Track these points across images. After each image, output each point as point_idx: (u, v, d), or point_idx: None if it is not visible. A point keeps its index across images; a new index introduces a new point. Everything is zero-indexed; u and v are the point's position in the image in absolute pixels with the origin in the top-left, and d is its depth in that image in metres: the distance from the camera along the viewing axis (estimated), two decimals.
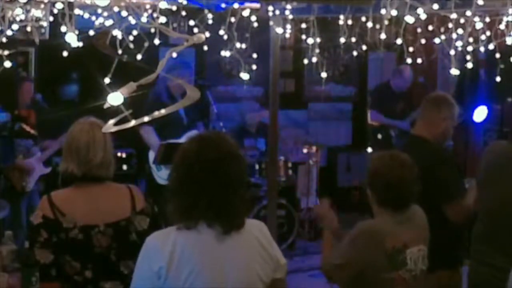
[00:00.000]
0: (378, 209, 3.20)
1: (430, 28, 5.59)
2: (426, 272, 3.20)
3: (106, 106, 2.32)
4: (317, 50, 5.39)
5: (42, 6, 5.27)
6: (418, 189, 3.15)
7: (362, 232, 3.12)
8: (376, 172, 3.18)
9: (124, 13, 4.71)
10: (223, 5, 5.10)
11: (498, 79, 5.35)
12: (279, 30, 5.26)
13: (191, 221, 2.38)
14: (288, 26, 5.61)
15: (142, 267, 2.41)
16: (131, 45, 4.89)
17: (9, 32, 4.42)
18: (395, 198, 3.14)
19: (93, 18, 5.27)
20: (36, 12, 5.18)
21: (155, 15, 4.59)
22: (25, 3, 4.17)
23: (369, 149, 7.70)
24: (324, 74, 5.51)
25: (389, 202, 3.15)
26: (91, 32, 5.18)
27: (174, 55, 3.83)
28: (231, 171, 2.40)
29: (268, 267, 2.50)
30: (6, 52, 4.40)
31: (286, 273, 2.60)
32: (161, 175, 6.21)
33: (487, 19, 4.83)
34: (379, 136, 7.38)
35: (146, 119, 2.23)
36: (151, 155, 6.28)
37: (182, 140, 6.15)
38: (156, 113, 2.19)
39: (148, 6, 4.83)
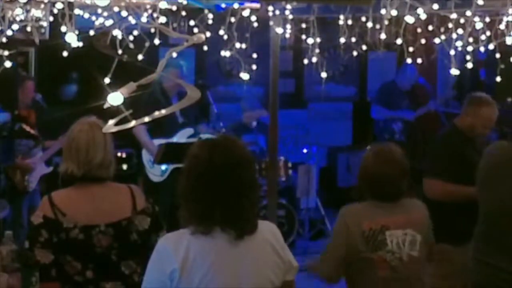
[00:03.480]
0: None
1: (430, 28, 5.58)
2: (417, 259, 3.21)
3: (106, 106, 2.31)
4: (317, 50, 5.38)
5: (42, 6, 5.26)
6: (407, 183, 3.26)
7: (341, 215, 3.27)
8: (361, 168, 3.33)
9: (124, 13, 4.71)
10: (223, 5, 5.09)
11: (498, 79, 5.33)
12: (279, 30, 5.26)
13: (206, 227, 2.37)
14: (288, 26, 5.61)
15: (153, 270, 2.40)
16: (131, 45, 4.89)
17: (9, 32, 4.42)
18: (380, 194, 3.26)
19: (93, 18, 5.28)
20: (36, 12, 5.18)
21: (155, 15, 4.59)
22: (25, 3, 4.17)
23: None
24: (324, 74, 5.50)
25: (375, 196, 3.27)
26: (91, 32, 5.17)
27: (174, 55, 3.83)
28: (243, 177, 2.39)
29: (280, 271, 2.50)
30: (6, 52, 4.40)
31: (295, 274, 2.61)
32: (154, 172, 6.22)
33: (487, 19, 4.83)
34: (386, 137, 7.40)
35: (146, 119, 2.22)
36: (144, 153, 6.29)
37: (176, 138, 6.19)
38: (157, 113, 2.18)
39: (148, 6, 4.83)
